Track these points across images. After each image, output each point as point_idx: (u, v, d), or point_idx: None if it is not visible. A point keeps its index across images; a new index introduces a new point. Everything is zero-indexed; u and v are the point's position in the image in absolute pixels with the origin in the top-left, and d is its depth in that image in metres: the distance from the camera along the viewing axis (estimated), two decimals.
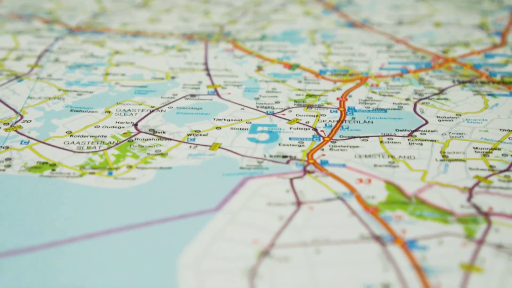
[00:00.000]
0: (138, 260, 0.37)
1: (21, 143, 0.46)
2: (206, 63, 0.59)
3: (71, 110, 0.51)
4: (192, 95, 0.53)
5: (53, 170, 0.44)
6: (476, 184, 0.43)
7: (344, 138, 0.48)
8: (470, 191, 0.42)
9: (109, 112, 0.51)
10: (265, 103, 0.52)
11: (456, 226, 0.39)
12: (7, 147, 0.46)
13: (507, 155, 0.46)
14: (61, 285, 0.35)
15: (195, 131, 0.48)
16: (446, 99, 0.53)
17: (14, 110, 0.51)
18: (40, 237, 0.38)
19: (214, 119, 0.50)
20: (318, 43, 0.63)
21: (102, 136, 0.48)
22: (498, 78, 0.56)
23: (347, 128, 0.49)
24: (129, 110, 0.51)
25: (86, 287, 0.35)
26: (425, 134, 0.48)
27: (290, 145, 0.47)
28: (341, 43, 0.63)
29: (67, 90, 0.54)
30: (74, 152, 0.46)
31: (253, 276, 0.36)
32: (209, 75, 0.57)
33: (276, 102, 0.52)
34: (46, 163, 0.45)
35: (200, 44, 0.62)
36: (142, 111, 0.51)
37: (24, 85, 0.54)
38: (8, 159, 0.45)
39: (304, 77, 0.56)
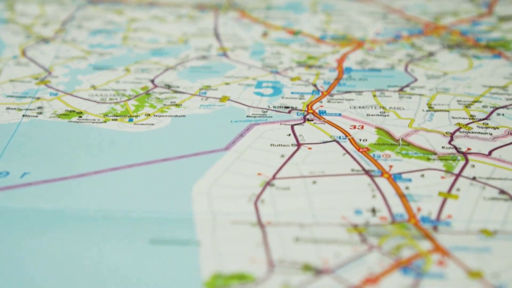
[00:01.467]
0: (158, 188, 0.42)
1: (50, 95, 0.52)
2: (215, 29, 0.64)
3: (94, 68, 0.56)
4: (203, 57, 0.59)
5: (80, 117, 0.49)
6: (457, 129, 0.48)
7: (340, 92, 0.53)
8: (452, 135, 0.47)
9: (128, 70, 0.56)
10: (270, 63, 0.57)
11: (437, 163, 0.44)
12: (38, 98, 0.51)
13: (486, 107, 0.51)
14: (91, 208, 0.40)
15: (206, 86, 0.54)
16: (435, 60, 0.58)
17: (43, 67, 0.56)
18: (70, 170, 0.43)
19: (223, 76, 0.55)
20: (319, 12, 0.68)
21: (123, 90, 0.53)
22: (483, 43, 0.61)
23: (344, 84, 0.54)
24: (146, 68, 0.56)
25: (113, 209, 0.40)
26: (414, 89, 0.53)
27: (292, 98, 0.52)
28: (340, 12, 0.68)
29: (90, 51, 0.59)
30: (98, 102, 0.51)
31: (257, 201, 0.41)
32: (218, 39, 0.62)
33: (280, 63, 0.58)
34: (73, 111, 0.50)
35: (210, 13, 0.67)
36: (158, 69, 0.56)
37: (51, 47, 0.60)
38: (40, 107, 0.50)
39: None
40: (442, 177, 0.43)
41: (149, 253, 0.36)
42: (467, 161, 0.45)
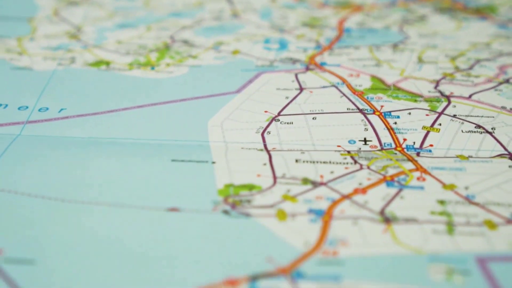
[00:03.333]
0: (178, 122, 0.48)
1: (81, 48, 0.58)
2: None
3: (118, 26, 0.62)
4: (217, 18, 0.65)
5: (107, 65, 0.55)
6: (443, 78, 0.54)
7: (340, 47, 0.59)
8: (437, 82, 0.53)
9: (150, 28, 0.62)
10: (277, 24, 0.63)
11: (423, 104, 0.50)
12: (70, 50, 0.58)
13: (470, 59, 0.57)
14: (119, 136, 0.46)
15: (219, 42, 0.60)
16: (427, 22, 0.64)
17: (73, 25, 0.62)
18: (101, 107, 0.50)
19: (234, 34, 0.61)
20: None
21: (145, 44, 0.59)
22: (473, 7, 0.67)
23: (343, 41, 0.60)
24: (166, 27, 0.62)
25: (138, 138, 0.46)
26: (406, 45, 0.59)
27: (296, 51, 0.58)
28: None
29: (115, 13, 0.65)
30: (123, 54, 0.57)
31: (263, 132, 0.47)
32: (230, 2, 0.68)
33: (286, 23, 0.64)
34: (102, 61, 0.56)
35: None
36: (176, 28, 0.62)
37: (79, 9, 0.66)
38: (72, 58, 0.56)
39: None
40: (427, 115, 0.49)
41: (171, 168, 0.43)
42: (449, 102, 0.51)
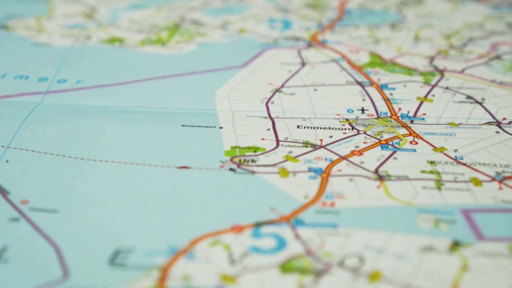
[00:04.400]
0: (187, 93, 0.51)
1: (95, 26, 0.62)
2: None
3: (131, 7, 0.66)
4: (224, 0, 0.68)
5: (121, 42, 0.59)
6: (438, 54, 0.57)
7: (341, 26, 0.62)
8: (432, 58, 0.56)
9: (160, 8, 0.65)
10: (281, 5, 0.67)
11: (418, 77, 0.54)
12: (85, 28, 0.61)
13: (464, 37, 0.60)
14: (132, 105, 0.50)
15: (226, 22, 0.63)
16: (424, 3, 0.67)
17: (88, 5, 0.66)
18: (115, 78, 0.53)
19: (241, 14, 0.65)
20: None
21: (156, 23, 0.62)
22: None
23: (344, 21, 0.64)
24: (176, 7, 0.66)
25: (150, 106, 0.50)
26: (405, 24, 0.63)
27: (299, 30, 0.61)
28: None
29: None
30: (136, 32, 0.61)
31: (267, 102, 0.50)
32: None
33: (290, 4, 0.67)
34: (115, 39, 0.59)
35: None
36: (185, 8, 0.66)
37: None
38: (87, 35, 0.60)
39: None
40: (421, 87, 0.52)
41: (181, 133, 0.46)
42: (442, 75, 0.54)
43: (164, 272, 0.34)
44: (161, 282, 0.34)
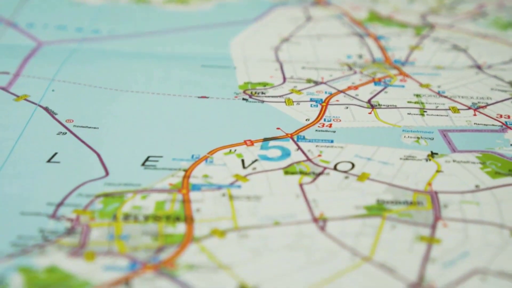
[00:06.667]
0: (205, 42, 0.58)
1: None
2: None
3: None
4: None
5: (146, 2, 0.66)
6: (430, 11, 0.64)
7: None
8: (424, 15, 0.63)
9: None
10: None
11: (411, 29, 0.60)
12: None
13: None
14: (158, 50, 0.57)
15: None
16: None
17: None
18: (143, 29, 0.60)
19: None
20: None
21: None
22: None
23: None
24: None
25: (170, 51, 0.57)
26: None
27: None
28: None
29: None
30: None
31: (276, 50, 0.57)
32: None
33: None
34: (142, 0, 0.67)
35: None
36: None
37: None
38: None
39: None
40: (413, 37, 0.59)
41: (201, 71, 0.53)
42: (432, 28, 0.60)
43: (187, 172, 0.41)
44: (185, 179, 0.41)
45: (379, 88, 0.51)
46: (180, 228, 0.37)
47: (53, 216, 0.37)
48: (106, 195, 0.39)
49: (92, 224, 0.37)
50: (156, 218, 0.37)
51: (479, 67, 0.54)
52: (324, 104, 0.49)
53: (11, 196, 0.39)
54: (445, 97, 0.50)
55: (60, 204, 0.38)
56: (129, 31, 0.60)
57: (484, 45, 0.58)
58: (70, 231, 0.36)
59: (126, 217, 0.37)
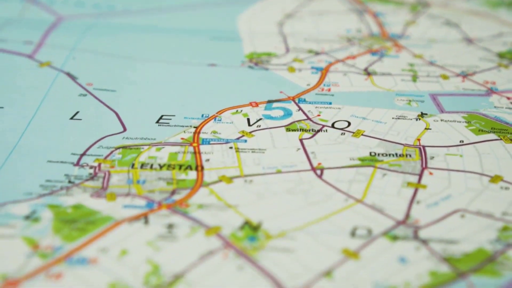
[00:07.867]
0: (213, 18, 0.62)
1: None
2: None
3: None
4: None
5: None
6: None
7: None
8: None
9: None
10: None
11: (406, 6, 0.64)
12: None
13: None
14: (169, 25, 0.61)
15: None
16: None
17: None
18: (154, 3, 0.64)
19: None
20: None
21: None
22: None
23: None
24: None
25: (182, 25, 0.60)
26: None
27: None
28: None
29: None
30: None
31: (280, 25, 0.61)
32: None
33: None
34: None
35: None
36: None
37: None
38: None
39: None
40: (408, 14, 0.63)
41: (209, 43, 0.57)
42: (427, 5, 0.64)
43: (198, 129, 0.45)
44: (195, 135, 0.45)
45: (375, 58, 0.55)
46: (192, 175, 0.41)
47: (77, 164, 0.41)
48: (124, 147, 0.43)
49: (112, 171, 0.41)
50: (170, 166, 0.41)
51: (470, 41, 0.58)
52: (324, 71, 0.53)
53: (38, 147, 0.43)
54: (437, 65, 0.54)
55: (83, 154, 0.42)
56: (143, 7, 0.64)
57: (476, 21, 0.62)
58: (92, 176, 0.40)
59: (143, 165, 0.41)
